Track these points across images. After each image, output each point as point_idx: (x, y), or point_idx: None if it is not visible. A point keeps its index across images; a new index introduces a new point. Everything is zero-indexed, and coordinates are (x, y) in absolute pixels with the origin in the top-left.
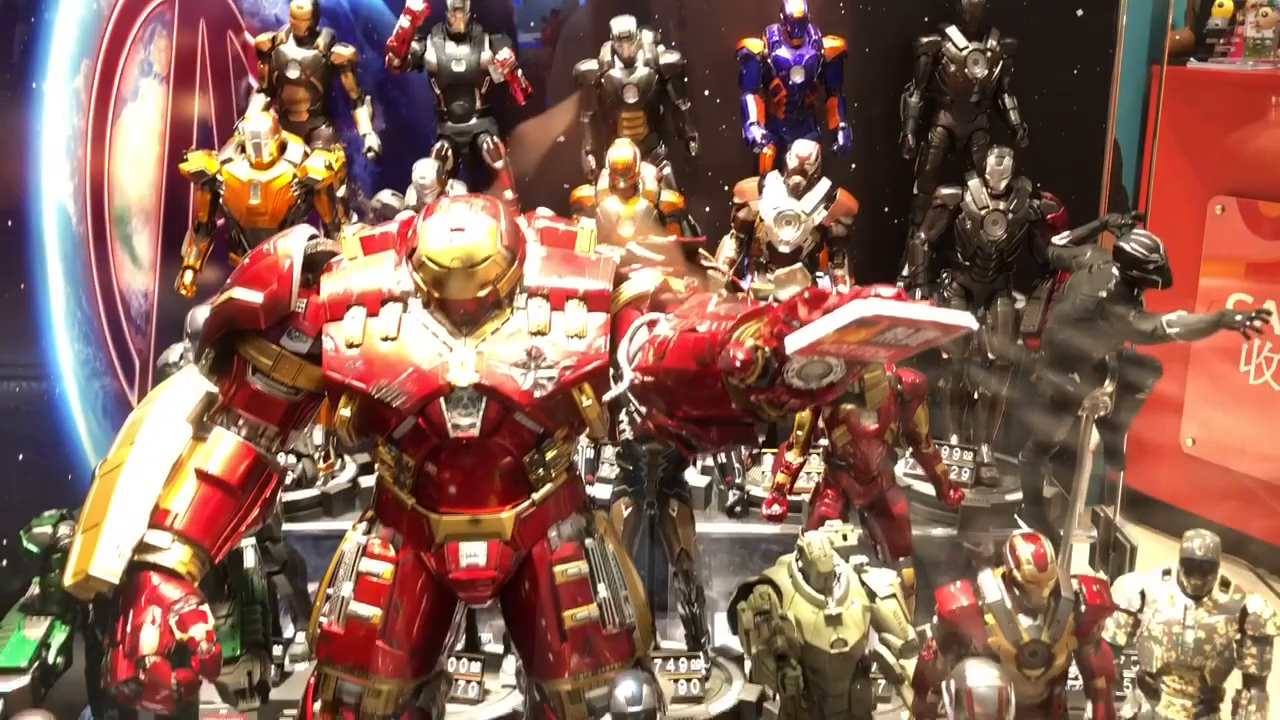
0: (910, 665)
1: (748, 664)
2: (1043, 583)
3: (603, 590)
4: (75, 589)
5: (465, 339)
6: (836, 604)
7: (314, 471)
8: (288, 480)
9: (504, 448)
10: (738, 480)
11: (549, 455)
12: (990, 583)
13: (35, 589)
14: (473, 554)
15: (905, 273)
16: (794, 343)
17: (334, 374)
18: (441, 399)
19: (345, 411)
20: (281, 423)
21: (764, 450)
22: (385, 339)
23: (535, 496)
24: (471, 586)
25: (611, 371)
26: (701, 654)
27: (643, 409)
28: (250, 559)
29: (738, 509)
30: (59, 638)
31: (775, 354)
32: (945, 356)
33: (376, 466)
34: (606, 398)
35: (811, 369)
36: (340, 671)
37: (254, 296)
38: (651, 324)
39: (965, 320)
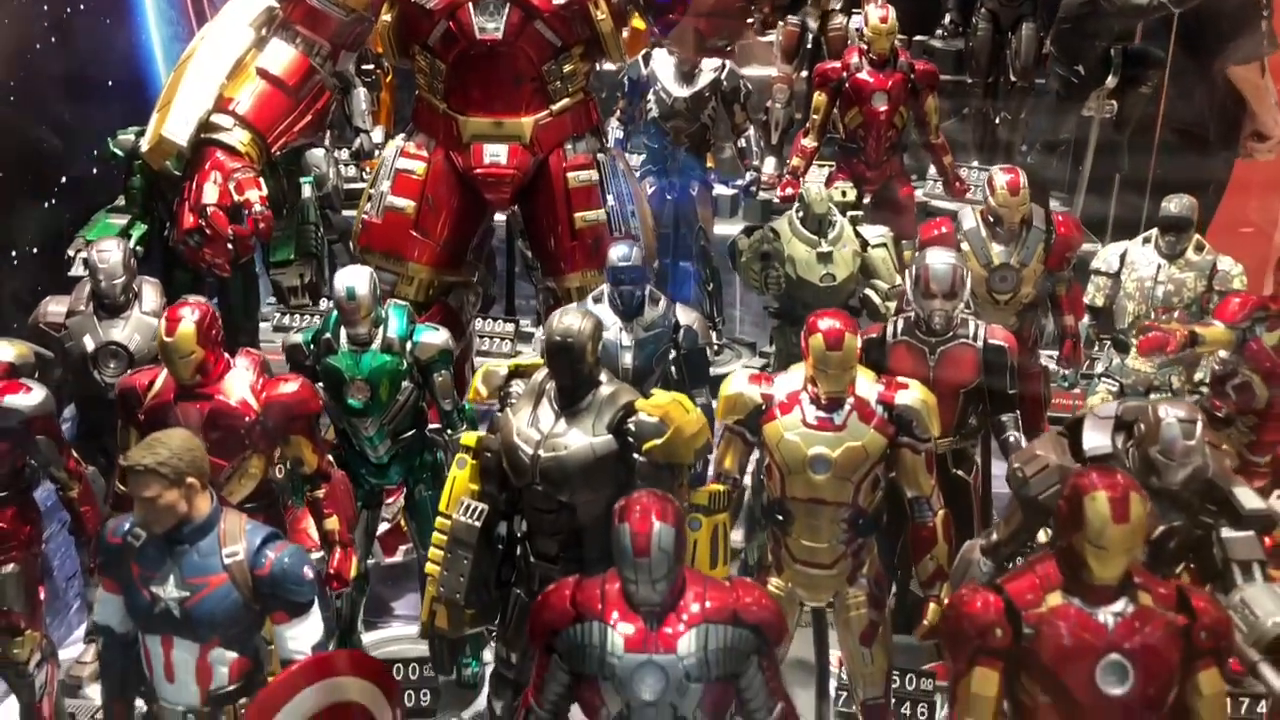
0: (894, 307)
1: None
2: (1014, 208)
3: (611, 199)
4: (150, 154)
5: None
6: (829, 244)
7: (370, 145)
8: (346, 159)
9: (526, 56)
10: (755, 163)
11: (566, 69)
12: (968, 214)
13: (121, 200)
14: (495, 153)
15: None
16: None
17: None
18: (470, 3)
19: (387, 18)
20: (333, 40)
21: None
22: None
23: (553, 107)
24: (495, 186)
25: None
26: (715, 331)
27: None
28: (307, 191)
29: (752, 189)
30: (138, 232)
31: None
32: (970, 81)
33: (415, 78)
34: None
35: None
36: (378, 259)
37: None
38: None
39: None
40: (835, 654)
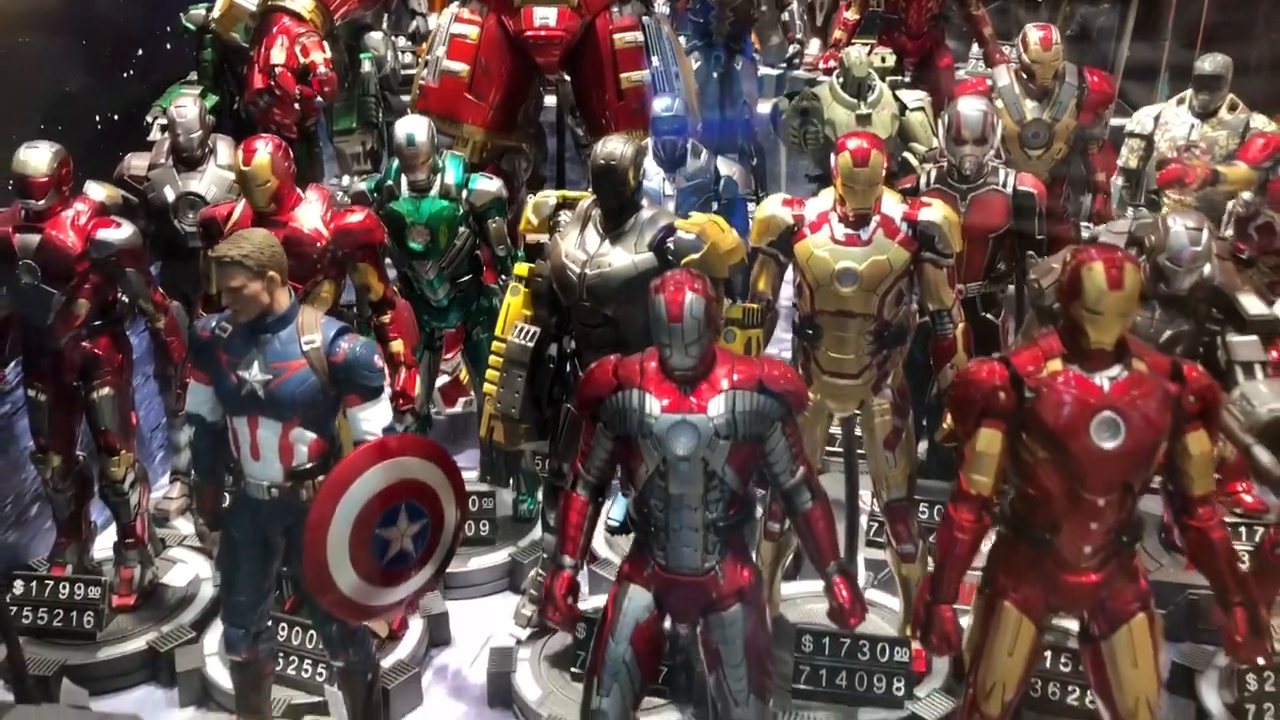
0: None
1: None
2: (1047, 63)
3: (656, 61)
4: (220, 22)
5: None
6: (868, 107)
7: (426, 29)
8: (403, 44)
9: None
10: (799, 36)
11: None
12: (1002, 72)
13: (193, 75)
14: (545, 16)
15: None
16: None
17: None
18: None
19: None
20: None
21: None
22: None
23: None
24: (545, 49)
25: None
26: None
27: None
28: (367, 66)
29: (795, 60)
30: (209, 103)
31: None
32: None
33: None
34: None
35: None
36: (434, 122)
37: None
38: None
39: None
40: (866, 493)
